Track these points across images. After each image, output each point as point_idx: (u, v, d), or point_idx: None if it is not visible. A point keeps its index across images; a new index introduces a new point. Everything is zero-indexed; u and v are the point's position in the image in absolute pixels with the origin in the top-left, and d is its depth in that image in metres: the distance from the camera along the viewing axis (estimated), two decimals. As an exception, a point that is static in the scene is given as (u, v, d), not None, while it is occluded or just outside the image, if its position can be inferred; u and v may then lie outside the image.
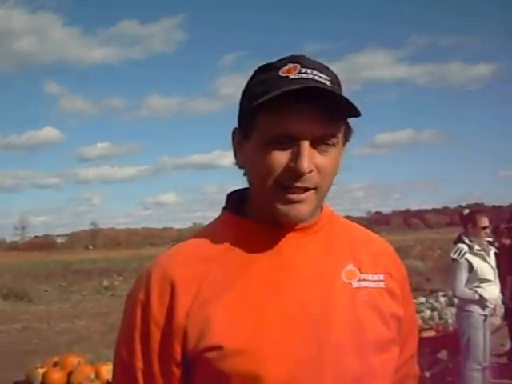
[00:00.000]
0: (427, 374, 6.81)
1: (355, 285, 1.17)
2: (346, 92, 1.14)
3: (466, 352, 5.39)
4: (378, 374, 1.15)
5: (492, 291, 5.40)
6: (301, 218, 1.12)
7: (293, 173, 1.08)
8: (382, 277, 1.21)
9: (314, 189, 1.11)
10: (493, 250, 5.63)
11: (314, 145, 1.09)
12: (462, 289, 5.33)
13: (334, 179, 1.17)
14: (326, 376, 1.08)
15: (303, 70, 1.10)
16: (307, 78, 1.08)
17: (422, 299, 10.54)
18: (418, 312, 9.70)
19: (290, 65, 1.11)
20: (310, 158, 1.08)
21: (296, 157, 1.07)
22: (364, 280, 1.18)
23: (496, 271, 5.52)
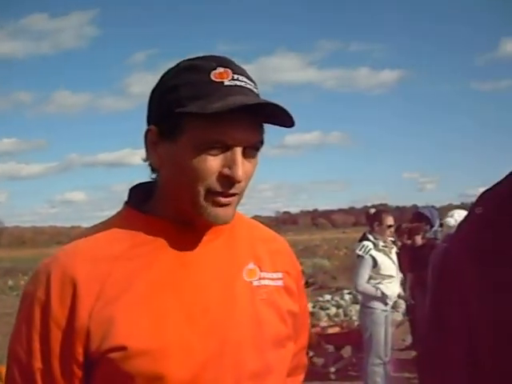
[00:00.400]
0: (332, 370, 6.98)
1: (255, 283, 1.19)
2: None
3: (369, 347, 5.56)
4: (275, 369, 1.18)
5: (394, 288, 5.62)
6: (228, 220, 1.12)
7: (227, 180, 1.07)
8: (280, 275, 1.24)
9: (239, 193, 1.12)
10: (394, 249, 5.85)
11: (244, 152, 1.09)
12: (365, 284, 5.51)
13: None
14: (227, 374, 1.10)
15: (235, 77, 1.09)
16: (241, 86, 1.08)
17: (328, 297, 10.80)
18: (324, 309, 9.92)
19: (221, 69, 1.09)
20: (243, 166, 1.08)
21: (231, 164, 1.07)
22: (264, 278, 1.21)
23: (398, 269, 5.74)
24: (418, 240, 7.10)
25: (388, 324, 5.58)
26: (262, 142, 1.12)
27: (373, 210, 6.27)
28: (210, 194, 1.08)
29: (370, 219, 5.91)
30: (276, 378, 1.19)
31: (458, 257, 1.36)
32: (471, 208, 1.35)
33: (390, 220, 5.72)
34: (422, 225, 7.31)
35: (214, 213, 1.10)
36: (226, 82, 1.07)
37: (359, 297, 6.37)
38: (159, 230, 1.14)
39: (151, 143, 1.15)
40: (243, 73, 1.11)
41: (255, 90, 1.11)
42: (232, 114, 1.03)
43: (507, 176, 1.36)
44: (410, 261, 6.85)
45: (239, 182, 1.08)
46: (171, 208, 1.14)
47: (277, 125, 1.11)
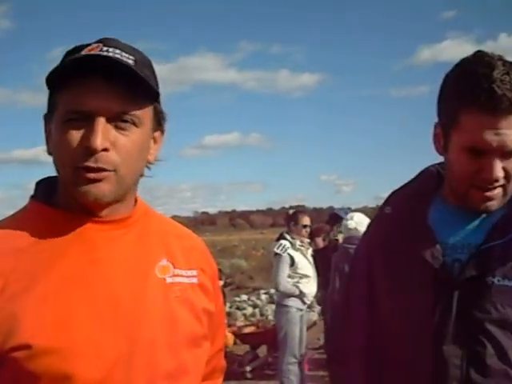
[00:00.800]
0: (248, 369, 7.00)
1: (169, 280, 1.15)
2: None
3: (284, 346, 5.62)
4: (190, 369, 1.15)
5: (311, 287, 5.73)
6: (101, 197, 1.06)
7: (86, 151, 1.03)
8: (195, 272, 1.21)
9: (114, 170, 1.06)
10: (310, 250, 5.97)
11: (112, 123, 1.05)
12: (285, 283, 5.56)
13: (143, 168, 1.15)
14: (139, 373, 1.06)
15: (104, 49, 1.06)
16: (105, 56, 1.04)
17: (245, 297, 10.88)
18: (240, 309, 9.98)
19: (94, 45, 1.07)
20: (105, 135, 1.03)
21: (89, 134, 1.03)
22: (178, 275, 1.17)
23: (314, 269, 5.85)
24: (319, 242, 7.26)
25: (303, 323, 5.67)
26: (133, 114, 1.07)
27: (291, 211, 6.40)
28: (77, 170, 1.04)
29: (288, 219, 6.04)
30: (191, 379, 1.16)
31: (365, 255, 1.44)
32: (380, 208, 1.44)
33: (305, 220, 5.87)
34: (321, 226, 7.52)
35: (84, 190, 1.04)
36: (91, 53, 1.05)
37: (275, 296, 6.44)
38: (65, 224, 1.09)
39: (46, 131, 1.12)
40: (119, 46, 1.08)
41: (129, 61, 1.06)
42: (87, 80, 1.02)
43: (414, 178, 1.46)
44: (322, 262, 6.98)
45: (97, 150, 1.02)
46: (68, 196, 1.09)
47: (143, 95, 1.07)
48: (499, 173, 1.23)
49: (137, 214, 1.18)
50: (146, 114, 1.10)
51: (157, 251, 1.17)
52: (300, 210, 6.61)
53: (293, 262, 5.60)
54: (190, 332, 1.15)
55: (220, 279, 7.75)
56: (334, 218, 7.43)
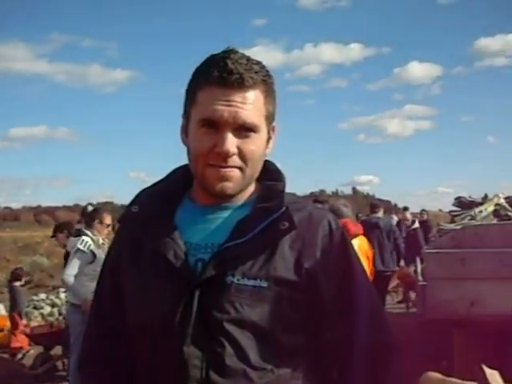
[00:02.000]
0: (39, 371, 6.70)
1: None
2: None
3: (75, 347, 5.38)
4: None
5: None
6: None
7: None
8: None
9: None
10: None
11: None
12: (72, 277, 5.46)
13: None
14: None
15: None
16: None
17: (43, 295, 10.34)
18: (38, 308, 9.48)
19: None
20: None
21: None
22: None
23: None
24: (62, 238, 7.24)
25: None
26: None
27: (90, 208, 6.39)
28: None
29: (89, 216, 5.98)
30: None
31: (113, 257, 1.44)
32: (128, 206, 1.40)
33: (109, 219, 5.87)
34: (68, 221, 7.50)
35: None
36: None
37: (68, 295, 6.24)
38: None
39: None
40: None
41: None
42: None
43: (164, 177, 1.45)
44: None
45: None
46: None
47: None
48: (231, 147, 1.24)
49: None
50: None
51: None
52: (103, 208, 6.58)
53: (94, 259, 5.50)
54: None
55: (18, 279, 7.28)
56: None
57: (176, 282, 1.26)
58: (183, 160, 1.36)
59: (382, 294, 7.81)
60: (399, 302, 10.95)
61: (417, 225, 12.00)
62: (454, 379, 3.67)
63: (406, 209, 13.53)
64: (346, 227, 5.11)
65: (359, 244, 5.28)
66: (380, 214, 9.33)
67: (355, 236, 5.24)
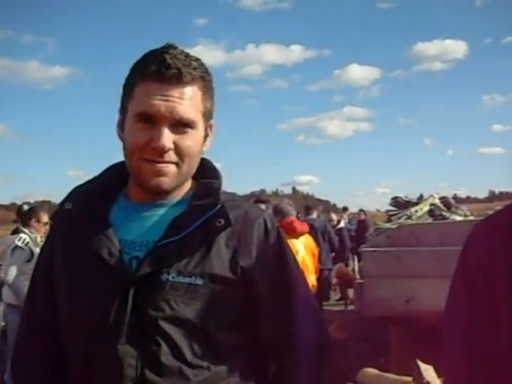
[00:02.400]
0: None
1: None
2: None
3: (11, 350, 5.23)
4: None
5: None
6: None
7: None
8: None
9: None
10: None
11: None
12: (18, 278, 5.30)
13: None
14: None
15: None
16: None
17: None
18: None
19: None
20: None
21: None
22: None
23: None
24: None
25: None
26: None
27: (26, 207, 6.35)
28: None
29: (26, 215, 5.92)
30: None
31: (47, 255, 1.40)
32: (61, 203, 1.37)
33: (46, 218, 5.76)
34: None
35: None
36: None
37: (3, 295, 6.07)
38: None
39: None
40: None
41: None
42: None
43: (99, 174, 1.43)
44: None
45: None
46: None
47: None
48: (167, 142, 1.23)
49: None
50: None
51: None
52: (40, 207, 6.48)
53: (32, 257, 5.36)
54: None
55: None
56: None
57: (110, 280, 1.24)
58: (122, 159, 1.34)
59: (322, 292, 7.94)
60: (338, 300, 11.14)
61: (342, 225, 12.48)
62: (390, 374, 3.78)
63: (345, 209, 13.80)
64: (292, 226, 5.19)
65: (305, 242, 5.36)
66: (314, 215, 10.04)
67: (301, 234, 5.32)
